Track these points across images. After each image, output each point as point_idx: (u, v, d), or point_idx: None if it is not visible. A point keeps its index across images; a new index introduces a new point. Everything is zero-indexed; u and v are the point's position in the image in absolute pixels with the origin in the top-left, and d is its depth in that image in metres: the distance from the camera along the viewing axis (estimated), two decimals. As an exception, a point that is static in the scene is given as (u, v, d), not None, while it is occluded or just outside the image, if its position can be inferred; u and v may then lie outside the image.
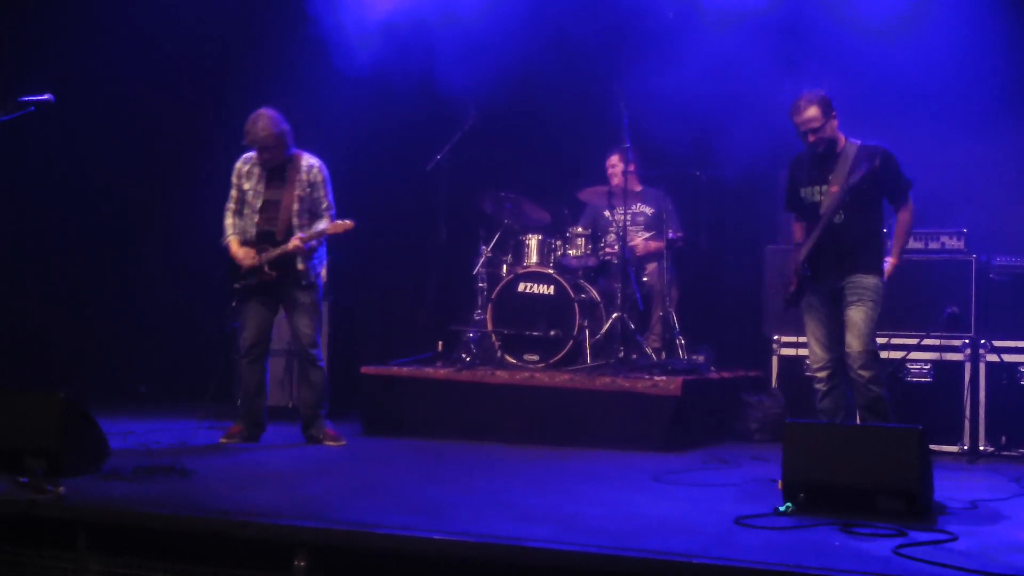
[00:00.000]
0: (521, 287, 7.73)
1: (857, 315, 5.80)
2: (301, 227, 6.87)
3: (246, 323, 6.98)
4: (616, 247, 7.82)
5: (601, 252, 7.90)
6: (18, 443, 5.26)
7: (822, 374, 5.97)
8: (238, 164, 7.06)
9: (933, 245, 7.38)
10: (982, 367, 7.08)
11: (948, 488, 5.45)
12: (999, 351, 7.03)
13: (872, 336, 5.82)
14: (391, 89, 8.94)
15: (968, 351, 7.11)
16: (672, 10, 8.25)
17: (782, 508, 4.71)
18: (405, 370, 7.69)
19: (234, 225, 6.99)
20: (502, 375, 7.41)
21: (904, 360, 7.18)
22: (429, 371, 7.61)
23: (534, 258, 7.89)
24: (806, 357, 7.60)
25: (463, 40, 8.45)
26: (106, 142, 9.62)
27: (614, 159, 8.16)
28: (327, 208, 6.97)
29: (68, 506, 4.57)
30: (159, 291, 9.64)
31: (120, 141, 9.65)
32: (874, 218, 5.97)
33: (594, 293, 7.78)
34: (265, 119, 6.80)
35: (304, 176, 6.92)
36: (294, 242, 6.77)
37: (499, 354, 7.73)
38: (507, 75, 8.51)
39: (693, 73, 7.89)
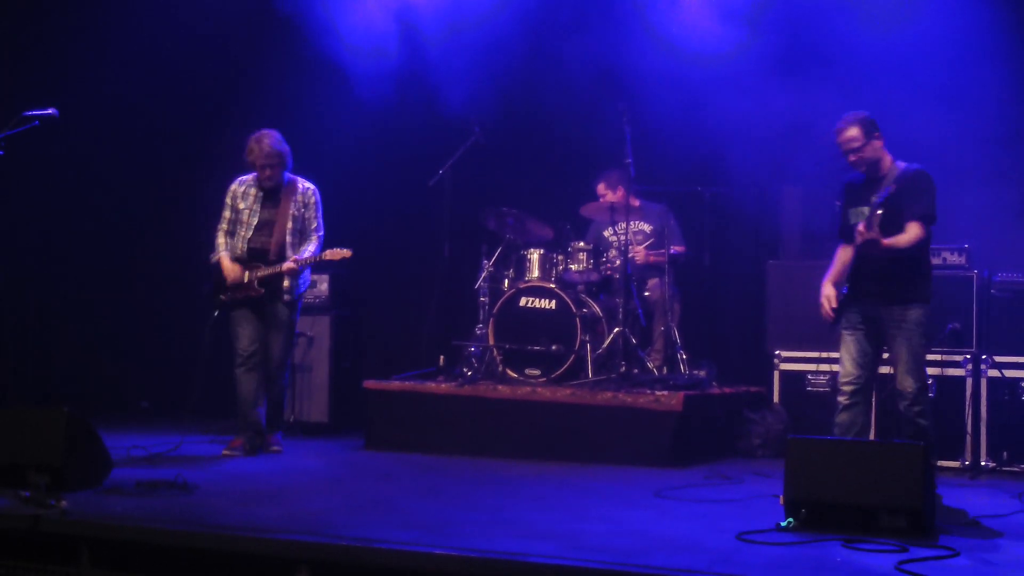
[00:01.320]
0: (523, 302, 7.74)
1: (903, 351, 5.72)
2: (292, 246, 7.14)
3: (239, 333, 7.15)
4: (618, 262, 7.83)
5: (603, 267, 7.91)
6: (22, 458, 5.27)
7: (848, 388, 5.90)
8: (233, 186, 7.30)
9: (935, 261, 7.35)
10: (984, 382, 7.07)
11: (950, 504, 5.45)
12: (1000, 367, 7.03)
13: (921, 370, 5.74)
14: (394, 105, 8.96)
15: (970, 366, 7.11)
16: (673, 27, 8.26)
17: (784, 524, 4.72)
18: (407, 385, 7.70)
19: (225, 244, 7.23)
20: (504, 390, 7.41)
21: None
22: (431, 386, 7.62)
23: (536, 273, 7.90)
24: (808, 372, 7.66)
25: (466, 56, 8.48)
26: (109, 157, 9.67)
27: (601, 187, 8.20)
28: (316, 229, 7.24)
29: (71, 521, 4.57)
30: (162, 306, 9.67)
31: (122, 156, 9.70)
32: None
33: (596, 308, 7.79)
34: (270, 137, 7.12)
35: (299, 198, 7.21)
36: (289, 264, 7.04)
37: (501, 369, 7.74)
38: (510, 91, 8.55)
39: (696, 90, 7.91)
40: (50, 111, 6.20)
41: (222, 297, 7.14)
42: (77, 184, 9.67)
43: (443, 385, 7.60)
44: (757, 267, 8.26)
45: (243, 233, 7.19)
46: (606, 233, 8.22)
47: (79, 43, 9.33)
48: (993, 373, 7.05)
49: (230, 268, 7.12)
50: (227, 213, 7.26)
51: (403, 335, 9.52)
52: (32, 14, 9.41)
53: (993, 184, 7.39)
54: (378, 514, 4.99)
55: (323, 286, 8.73)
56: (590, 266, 7.86)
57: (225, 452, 6.97)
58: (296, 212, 7.18)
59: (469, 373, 7.78)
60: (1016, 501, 5.74)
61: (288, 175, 7.26)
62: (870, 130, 5.85)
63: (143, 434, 7.69)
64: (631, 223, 8.12)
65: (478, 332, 8.00)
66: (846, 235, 5.97)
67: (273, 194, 7.21)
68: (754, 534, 4.57)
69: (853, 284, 5.85)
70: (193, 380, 7.55)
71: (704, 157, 8.25)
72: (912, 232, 5.71)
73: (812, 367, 7.68)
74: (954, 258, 7.35)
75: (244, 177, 7.29)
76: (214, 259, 7.22)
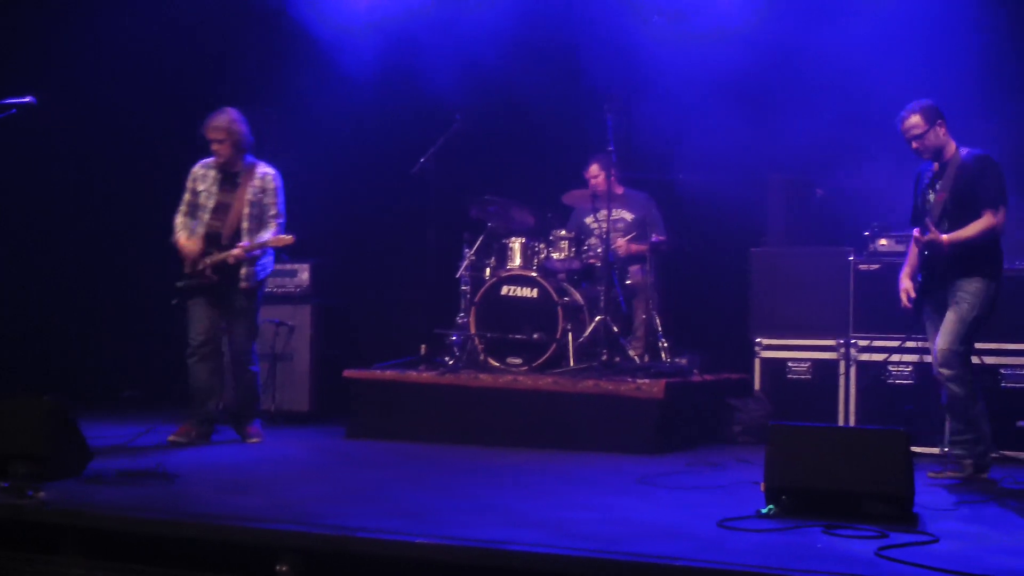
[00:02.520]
0: (505, 290, 7.74)
1: (949, 315, 5.89)
2: (249, 232, 7.00)
3: (192, 321, 7.06)
4: (599, 250, 7.83)
5: (584, 255, 7.91)
6: (3, 448, 5.26)
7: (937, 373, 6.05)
8: (195, 168, 7.20)
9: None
10: (965, 369, 7.10)
11: (930, 490, 5.48)
12: (980, 353, 7.04)
13: (958, 337, 5.85)
14: (377, 93, 8.94)
15: (950, 354, 7.13)
16: (656, 16, 8.25)
17: (764, 511, 4.73)
18: (388, 373, 7.69)
19: (183, 224, 7.11)
20: (485, 378, 7.41)
21: (886, 362, 7.21)
22: (412, 375, 7.61)
23: (518, 261, 7.89)
24: (789, 360, 7.69)
25: (449, 44, 8.47)
26: (90, 146, 9.60)
27: (594, 168, 8.17)
28: (275, 216, 7.10)
29: (51, 510, 4.56)
30: (145, 295, 9.61)
31: (104, 146, 9.63)
32: None
33: (577, 296, 7.79)
34: (227, 113, 7.04)
35: (258, 182, 7.07)
36: (235, 251, 6.92)
37: (483, 357, 7.73)
38: (492, 79, 8.52)
39: (678, 77, 7.91)
40: (28, 99, 6.14)
41: (178, 284, 7.03)
42: (61, 174, 9.60)
43: (425, 374, 7.59)
44: (740, 255, 8.27)
45: (200, 216, 7.09)
46: (587, 220, 8.22)
47: (58, 31, 9.25)
48: (973, 360, 7.06)
49: (186, 244, 7.02)
50: (187, 196, 7.15)
51: (385, 324, 9.50)
52: (8, 3, 9.33)
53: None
54: (361, 503, 4.98)
55: (304, 275, 8.71)
56: (572, 254, 7.86)
57: (171, 439, 6.88)
58: (253, 197, 7.05)
59: (451, 362, 7.78)
60: (997, 487, 5.76)
61: (250, 158, 7.15)
62: (932, 117, 5.98)
63: (126, 424, 7.66)
64: (613, 211, 8.12)
65: (460, 321, 7.99)
66: (919, 222, 6.09)
67: (232, 177, 7.10)
68: (736, 521, 4.58)
69: (927, 274, 5.99)
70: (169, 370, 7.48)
71: (687, 144, 8.24)
72: (981, 222, 5.85)
73: (794, 355, 7.70)
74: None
75: (207, 160, 7.19)
76: (173, 239, 7.12)
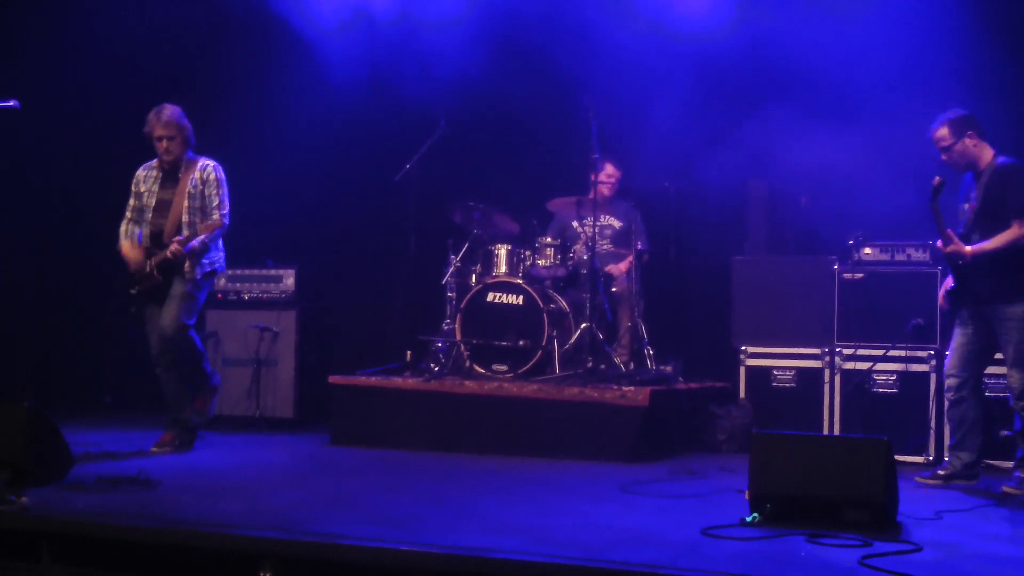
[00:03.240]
0: (490, 297, 7.73)
1: (1009, 348, 5.93)
2: (189, 226, 6.80)
3: (150, 331, 6.89)
4: (584, 256, 7.83)
5: (570, 262, 7.91)
6: (-17, 453, 5.21)
7: (950, 382, 6.09)
8: (137, 172, 7.06)
9: (899, 257, 7.45)
10: (947, 378, 7.13)
11: (913, 499, 5.49)
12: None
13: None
14: (360, 98, 8.94)
15: (933, 362, 7.17)
16: (639, 20, 8.27)
17: (748, 519, 4.73)
18: (373, 380, 7.67)
19: (127, 232, 6.93)
20: (471, 385, 7.40)
21: (870, 371, 7.23)
22: (397, 381, 7.59)
23: (503, 268, 7.88)
24: (774, 368, 7.70)
25: (432, 49, 8.47)
26: (70, 150, 9.56)
27: (610, 168, 8.18)
28: (218, 207, 6.89)
29: (31, 517, 4.52)
30: (123, 300, 9.55)
31: (83, 149, 9.59)
32: None
33: (563, 303, 7.79)
34: (170, 109, 6.87)
35: (198, 175, 6.88)
36: (172, 246, 6.69)
37: (468, 364, 7.72)
38: (476, 85, 8.52)
39: (662, 84, 7.93)
40: (12, 103, 6.11)
41: (132, 291, 6.85)
42: (38, 177, 9.55)
43: (409, 380, 7.57)
44: (723, 262, 8.29)
45: (144, 217, 6.92)
46: (574, 224, 8.19)
47: (40, 35, 9.21)
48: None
49: (129, 251, 6.84)
50: (132, 201, 7.00)
51: (369, 330, 9.49)
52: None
53: (959, 179, 7.46)
54: (343, 509, 4.97)
55: (289, 280, 8.68)
56: (557, 261, 7.86)
57: (153, 449, 6.75)
58: (193, 189, 6.83)
59: (436, 368, 7.77)
60: (979, 496, 5.78)
61: (191, 154, 6.97)
62: (960, 130, 6.04)
63: (105, 429, 7.63)
64: (602, 217, 8.13)
65: (445, 327, 7.99)
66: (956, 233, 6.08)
67: (172, 174, 6.93)
68: (719, 529, 4.58)
69: (958, 284, 6.03)
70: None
71: (670, 152, 8.25)
72: (1008, 233, 5.86)
73: (778, 363, 7.72)
74: (918, 254, 7.41)
75: (149, 163, 7.06)
76: (117, 247, 6.95)
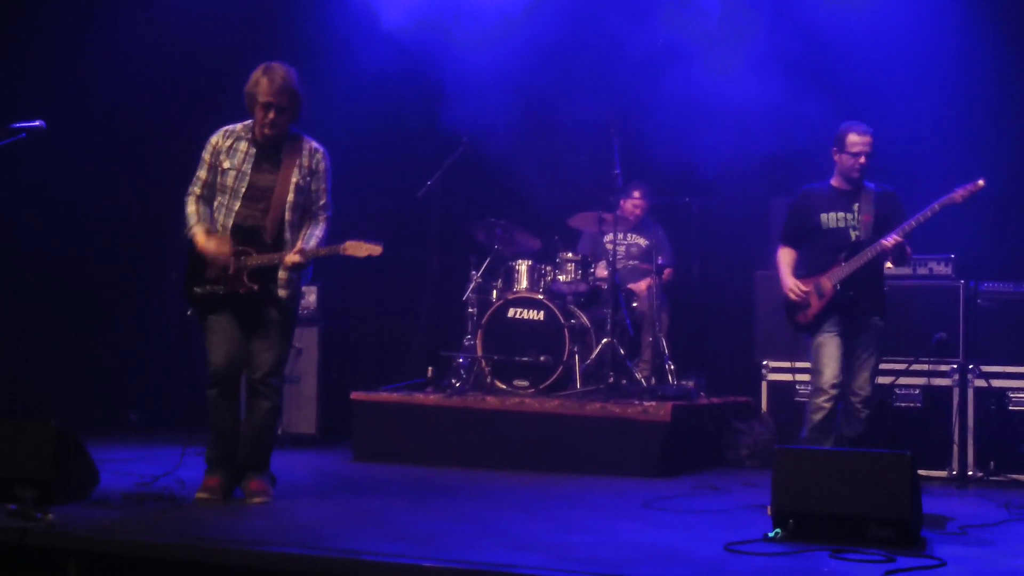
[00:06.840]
0: (511, 313, 7.75)
1: (873, 361, 6.21)
2: (291, 226, 5.45)
3: (215, 344, 5.45)
4: (607, 273, 7.84)
5: (591, 278, 7.92)
6: (9, 472, 5.24)
7: (833, 392, 6.13)
8: (215, 138, 5.52)
9: (921, 271, 7.42)
10: (971, 392, 7.10)
11: (938, 514, 5.47)
12: (987, 376, 7.06)
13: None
14: (383, 115, 8.97)
15: (956, 377, 7.14)
16: (662, 38, 8.28)
17: (771, 534, 4.73)
18: (395, 396, 7.69)
19: (198, 213, 5.48)
20: (492, 401, 7.41)
21: (893, 385, 7.20)
22: (419, 397, 7.61)
23: (524, 284, 7.90)
24: (797, 383, 7.67)
25: (455, 67, 8.49)
26: (99, 167, 9.62)
27: (637, 194, 8.22)
28: (324, 207, 5.59)
29: (58, 534, 4.55)
30: (152, 316, 9.63)
31: (113, 164, 9.64)
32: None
33: (584, 319, 7.80)
34: (284, 70, 5.37)
35: (306, 161, 5.49)
36: (293, 257, 5.31)
37: (489, 380, 7.74)
38: (498, 102, 8.54)
39: (683, 101, 7.94)
40: (37, 123, 6.12)
41: (197, 290, 5.44)
42: (67, 194, 9.63)
43: (431, 396, 7.59)
44: (745, 278, 8.28)
45: (227, 203, 5.44)
46: (606, 240, 8.15)
47: (68, 47, 9.28)
48: (980, 383, 7.08)
49: (212, 243, 5.36)
50: (203, 173, 5.47)
51: (391, 346, 9.52)
52: (18, 22, 9.38)
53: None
54: (367, 526, 4.98)
55: (312, 297, 8.71)
56: (578, 277, 7.87)
57: (199, 495, 5.46)
58: (301, 180, 5.44)
59: (457, 384, 7.78)
60: (1003, 511, 5.75)
61: (295, 130, 5.55)
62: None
63: (132, 447, 7.67)
64: (629, 235, 8.16)
65: (466, 343, 8.00)
66: (817, 237, 6.29)
67: (272, 153, 5.44)
68: (742, 544, 4.58)
69: (846, 289, 6.10)
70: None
71: (692, 168, 8.26)
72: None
73: (801, 377, 7.70)
74: (940, 268, 7.38)
75: (231, 127, 5.54)
76: (187, 233, 5.47)
